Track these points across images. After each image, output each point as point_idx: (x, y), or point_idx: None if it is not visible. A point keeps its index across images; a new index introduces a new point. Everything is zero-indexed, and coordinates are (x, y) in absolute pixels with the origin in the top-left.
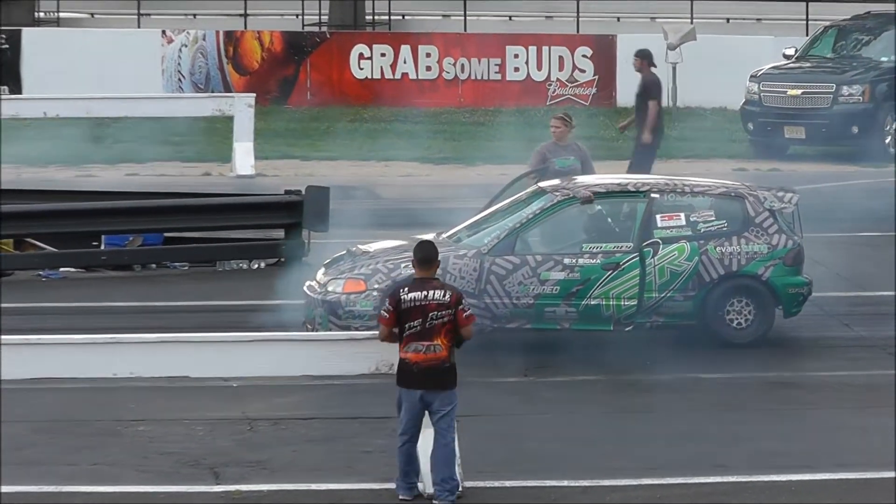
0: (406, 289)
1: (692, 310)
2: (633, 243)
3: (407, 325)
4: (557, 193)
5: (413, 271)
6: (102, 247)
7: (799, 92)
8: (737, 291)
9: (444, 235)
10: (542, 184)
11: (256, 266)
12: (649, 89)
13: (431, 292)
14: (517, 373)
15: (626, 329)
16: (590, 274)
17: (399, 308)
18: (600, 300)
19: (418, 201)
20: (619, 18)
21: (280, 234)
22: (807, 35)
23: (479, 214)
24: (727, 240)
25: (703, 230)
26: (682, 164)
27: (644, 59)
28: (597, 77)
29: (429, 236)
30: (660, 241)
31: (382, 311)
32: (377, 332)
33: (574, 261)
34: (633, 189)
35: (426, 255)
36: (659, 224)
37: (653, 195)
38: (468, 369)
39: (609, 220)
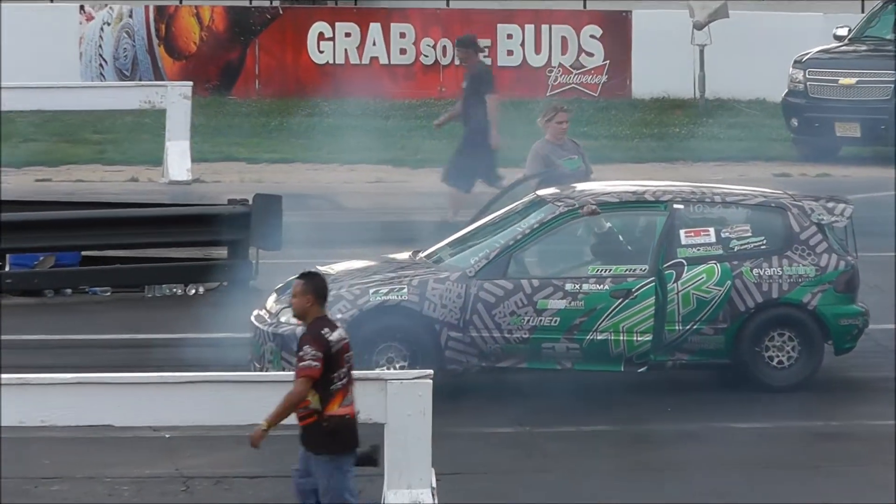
0: (326, 329)
1: (723, 346)
2: (650, 265)
3: (335, 375)
4: (560, 204)
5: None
6: (7, 268)
7: (853, 81)
8: (778, 323)
9: (423, 254)
10: (541, 192)
11: (194, 291)
12: (480, 81)
13: (339, 331)
14: (511, 422)
15: (640, 370)
16: (596, 303)
17: (329, 354)
18: (609, 335)
19: (390, 212)
20: None
21: (222, 252)
22: (862, 12)
23: (465, 229)
24: (766, 260)
25: (736, 249)
26: (712, 167)
27: (468, 47)
28: (608, 62)
29: (402, 256)
30: (684, 262)
31: (312, 361)
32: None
33: (577, 286)
34: (652, 199)
35: (326, 289)
36: (683, 241)
37: (675, 206)
38: (452, 418)
39: (621, 236)
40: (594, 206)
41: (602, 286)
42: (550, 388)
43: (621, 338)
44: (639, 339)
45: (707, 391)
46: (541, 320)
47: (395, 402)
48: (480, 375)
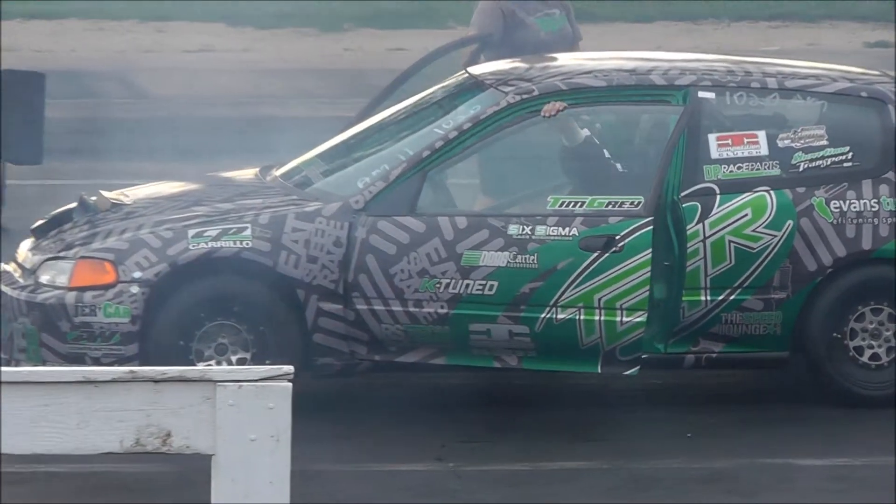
0: None
1: (780, 329)
2: (652, 195)
3: None
4: (508, 90)
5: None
6: None
7: None
8: (871, 292)
9: (278, 172)
10: (479, 69)
11: None
12: None
13: None
14: (424, 455)
15: (628, 371)
16: (557, 258)
17: None
18: (577, 312)
19: (223, 103)
20: None
21: None
22: None
23: (348, 130)
24: (853, 187)
25: (803, 167)
26: (765, 30)
27: None
28: None
29: (245, 174)
30: (715, 189)
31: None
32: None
33: (527, 230)
34: (662, 82)
35: None
36: (714, 154)
37: (701, 95)
38: (327, 447)
39: (606, 150)
40: (559, 104)
41: (567, 230)
42: (487, 399)
43: (596, 317)
44: (625, 319)
45: (751, 406)
46: (468, 286)
47: (231, 418)
48: (374, 376)
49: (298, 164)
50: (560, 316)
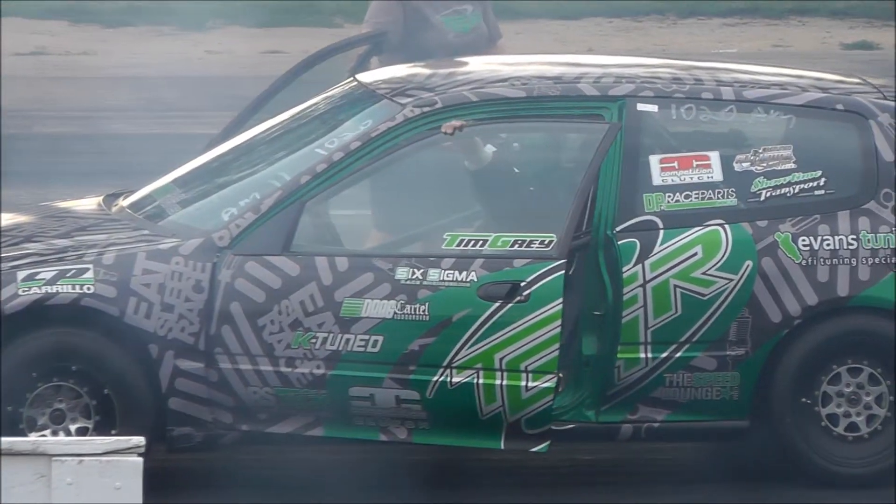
0: None
1: (738, 392)
2: (566, 232)
3: None
4: (406, 102)
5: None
6: None
7: None
8: (848, 349)
9: (125, 202)
10: (370, 76)
11: None
12: None
13: None
14: None
15: (535, 448)
16: (453, 307)
17: None
18: (473, 374)
19: (58, 116)
20: None
21: None
22: None
23: (213, 150)
24: (825, 220)
25: (765, 196)
26: (718, 28)
27: None
28: None
29: (86, 203)
30: (657, 223)
31: None
32: None
33: (418, 274)
34: (594, 91)
35: None
36: (655, 180)
37: (640, 108)
38: None
39: (514, 176)
40: (458, 123)
41: (465, 275)
42: (379, 478)
43: (498, 381)
44: (531, 384)
45: (703, 487)
46: (349, 341)
47: (69, 501)
48: (242, 450)
49: (150, 191)
50: (455, 379)
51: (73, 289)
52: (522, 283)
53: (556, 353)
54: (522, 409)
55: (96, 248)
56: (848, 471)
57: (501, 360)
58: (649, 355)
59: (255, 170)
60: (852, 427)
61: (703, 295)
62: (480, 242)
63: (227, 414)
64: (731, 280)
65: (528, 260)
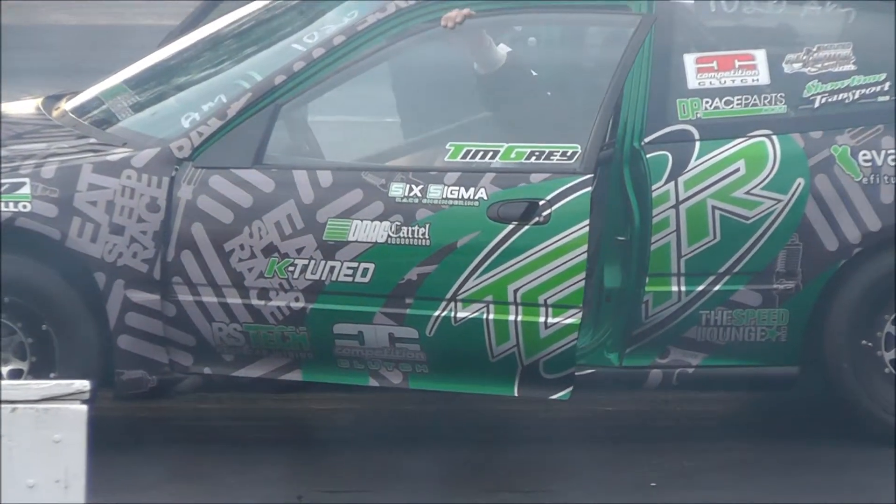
0: None
1: (786, 332)
2: (592, 142)
3: None
4: None
5: None
6: None
7: None
8: None
9: (68, 105)
10: None
11: None
12: None
13: None
14: (284, 499)
15: (555, 396)
16: (456, 231)
17: None
18: (482, 308)
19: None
20: None
21: None
22: None
23: (172, 45)
24: (889, 130)
25: (820, 103)
26: None
27: None
28: None
29: (23, 106)
30: (692, 133)
31: None
32: None
33: (416, 190)
34: None
35: None
36: (691, 83)
37: None
38: (145, 496)
39: (533, 79)
40: (466, 10)
41: (472, 193)
42: (364, 434)
43: (512, 317)
44: (552, 321)
45: (742, 443)
46: (333, 270)
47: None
48: (204, 397)
49: (98, 93)
50: (461, 315)
51: (6, 206)
52: (541, 202)
53: (582, 283)
54: (541, 349)
55: (34, 160)
56: None
57: (516, 291)
58: (682, 289)
59: (221, 68)
60: None
61: (747, 218)
62: (491, 154)
63: (187, 355)
64: (780, 201)
65: (548, 175)
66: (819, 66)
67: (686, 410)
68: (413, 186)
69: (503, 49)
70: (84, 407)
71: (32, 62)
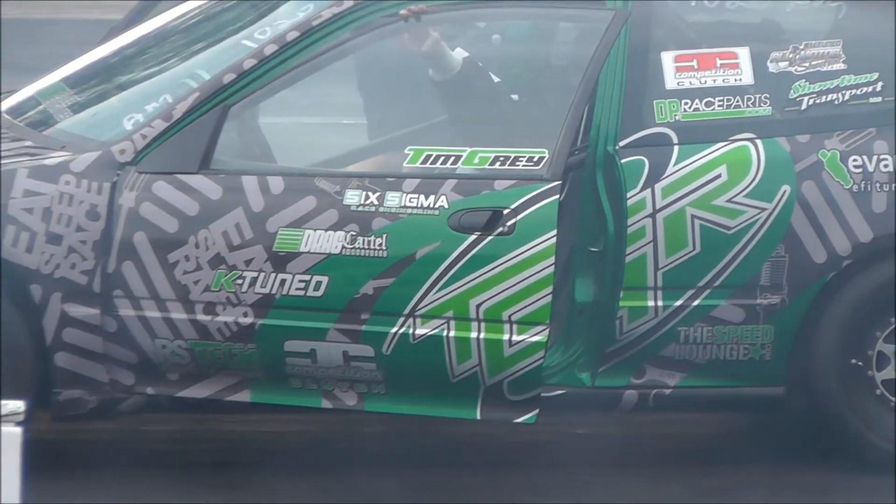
0: None
1: (772, 352)
2: (560, 147)
3: None
4: None
5: None
6: None
7: None
8: None
9: (3, 105)
10: None
11: None
12: None
13: None
14: None
15: (521, 419)
16: (415, 242)
17: None
18: (443, 325)
19: None
20: None
21: None
22: None
23: (113, 41)
24: (882, 136)
25: (808, 105)
26: None
27: None
28: None
29: None
30: (671, 136)
31: None
32: None
33: (373, 198)
34: None
35: None
36: (669, 83)
37: None
38: None
39: (496, 77)
40: (422, 4)
41: (433, 201)
42: (318, 455)
43: (474, 335)
44: (517, 338)
45: (722, 469)
46: (284, 283)
47: None
48: (146, 418)
49: (34, 92)
50: (419, 331)
51: None
52: (506, 211)
53: (549, 298)
54: (504, 369)
55: None
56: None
57: (478, 307)
58: (659, 303)
59: (167, 66)
60: None
61: (728, 228)
62: (452, 159)
63: (129, 373)
64: (764, 210)
65: (513, 181)
66: (807, 64)
67: (663, 434)
68: (370, 194)
69: (459, 54)
70: (19, 429)
71: None
